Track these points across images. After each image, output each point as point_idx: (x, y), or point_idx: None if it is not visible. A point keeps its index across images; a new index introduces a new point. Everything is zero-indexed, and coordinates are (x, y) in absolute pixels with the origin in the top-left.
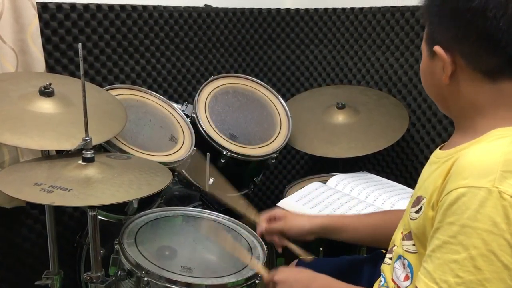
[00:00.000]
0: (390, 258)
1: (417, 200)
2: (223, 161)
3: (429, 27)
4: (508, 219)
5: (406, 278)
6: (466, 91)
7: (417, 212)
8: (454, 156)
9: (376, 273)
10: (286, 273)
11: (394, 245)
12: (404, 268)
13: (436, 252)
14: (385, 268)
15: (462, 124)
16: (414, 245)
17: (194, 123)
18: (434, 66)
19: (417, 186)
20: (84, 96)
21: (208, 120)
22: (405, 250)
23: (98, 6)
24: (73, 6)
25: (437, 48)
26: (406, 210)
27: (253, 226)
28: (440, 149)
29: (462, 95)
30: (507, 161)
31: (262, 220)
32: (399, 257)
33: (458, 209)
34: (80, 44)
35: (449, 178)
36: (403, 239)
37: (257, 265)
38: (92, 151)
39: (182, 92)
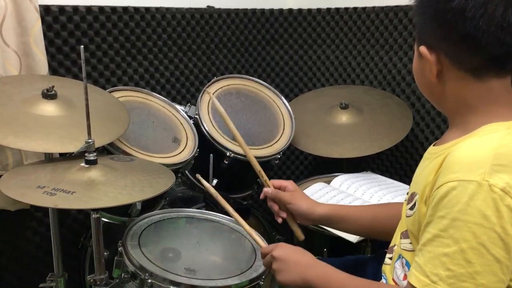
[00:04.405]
0: (391, 258)
1: (411, 197)
2: (227, 163)
3: (416, 28)
4: (499, 212)
5: (405, 277)
6: (454, 90)
7: (411, 208)
8: (446, 151)
9: (380, 273)
10: (286, 251)
11: (395, 245)
12: (403, 267)
13: (427, 245)
14: (385, 268)
15: (455, 121)
16: (410, 243)
17: (197, 125)
18: (423, 65)
19: (411, 183)
20: (87, 99)
21: (211, 121)
22: (403, 249)
23: (101, 8)
24: (75, 8)
25: (422, 49)
26: (403, 208)
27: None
28: (433, 145)
29: (451, 93)
30: (497, 155)
31: (271, 184)
32: (399, 256)
33: (448, 203)
34: (81, 46)
35: (440, 172)
36: (401, 238)
37: (256, 236)
38: (95, 154)
39: (185, 93)
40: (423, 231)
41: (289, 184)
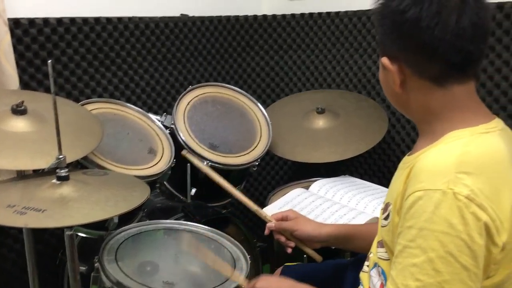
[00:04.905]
0: (368, 266)
1: (386, 207)
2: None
3: (378, 40)
4: (464, 220)
5: (382, 286)
6: (419, 98)
7: (385, 219)
8: (414, 161)
9: (359, 277)
10: (267, 282)
11: (371, 253)
12: (379, 275)
13: (398, 257)
14: (363, 276)
15: (423, 129)
16: (386, 252)
17: (174, 134)
18: (387, 76)
19: (387, 193)
20: (56, 114)
21: (187, 131)
22: (379, 258)
23: (72, 20)
24: (46, 20)
25: (383, 60)
26: (379, 218)
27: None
28: (408, 155)
29: (416, 102)
30: (461, 163)
31: (273, 218)
32: (375, 264)
33: (415, 213)
34: (49, 61)
35: (408, 182)
36: (378, 246)
37: (239, 277)
38: (66, 169)
39: (162, 102)
40: (396, 243)
41: (289, 213)
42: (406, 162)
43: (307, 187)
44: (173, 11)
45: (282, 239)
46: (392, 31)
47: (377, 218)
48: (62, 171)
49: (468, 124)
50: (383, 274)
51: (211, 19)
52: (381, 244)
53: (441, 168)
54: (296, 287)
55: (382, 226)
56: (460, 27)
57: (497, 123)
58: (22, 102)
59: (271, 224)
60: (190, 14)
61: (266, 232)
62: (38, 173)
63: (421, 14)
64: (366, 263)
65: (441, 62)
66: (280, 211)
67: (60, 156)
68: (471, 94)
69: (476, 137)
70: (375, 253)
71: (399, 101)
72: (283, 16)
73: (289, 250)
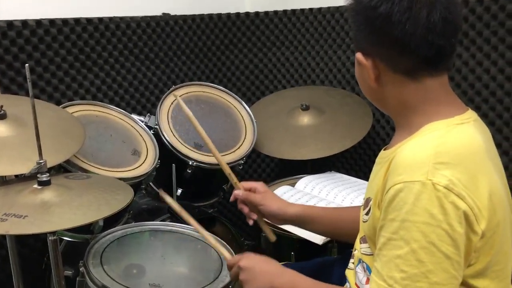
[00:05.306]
0: (353, 263)
1: (366, 202)
2: (190, 171)
3: (352, 36)
4: (444, 209)
5: (368, 281)
6: (394, 92)
7: (366, 214)
8: (392, 155)
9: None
10: (252, 261)
11: (355, 250)
12: (364, 271)
13: (382, 250)
14: (348, 273)
15: (399, 123)
16: (369, 247)
17: (158, 135)
18: (362, 71)
19: (366, 189)
20: (35, 118)
21: (172, 131)
22: (363, 253)
23: (51, 21)
24: (24, 22)
25: (358, 55)
26: (360, 214)
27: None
28: (384, 150)
29: (391, 96)
30: (438, 153)
31: (241, 186)
32: (359, 261)
33: (397, 205)
34: (27, 65)
35: (387, 176)
36: (360, 243)
37: (222, 249)
38: (48, 174)
39: (145, 103)
40: (378, 236)
41: (259, 185)
42: (383, 156)
43: (293, 184)
44: (155, 11)
45: (246, 210)
46: (365, 27)
47: None
48: (43, 176)
49: (443, 116)
50: (368, 270)
51: (193, 17)
52: (364, 240)
53: (419, 160)
54: (283, 273)
55: (364, 222)
56: (430, 21)
57: (471, 114)
58: (2, 106)
59: (238, 192)
60: (172, 13)
61: (231, 199)
62: (19, 179)
63: (393, 9)
64: (351, 260)
65: (414, 57)
66: None
67: (41, 161)
68: (444, 86)
69: (452, 128)
70: (359, 249)
71: (375, 96)
72: (266, 13)
73: (251, 222)
